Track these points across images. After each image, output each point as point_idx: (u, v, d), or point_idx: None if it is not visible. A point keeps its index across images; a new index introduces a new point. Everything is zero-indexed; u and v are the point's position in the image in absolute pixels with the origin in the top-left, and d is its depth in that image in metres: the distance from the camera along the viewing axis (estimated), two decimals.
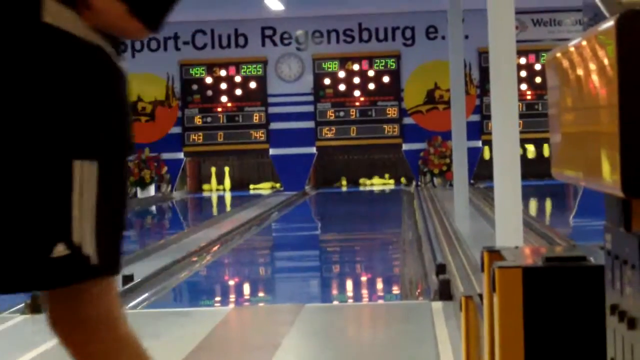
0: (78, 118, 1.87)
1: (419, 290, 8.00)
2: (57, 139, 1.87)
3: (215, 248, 11.18)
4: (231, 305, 7.98)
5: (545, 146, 19.72)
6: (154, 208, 18.80)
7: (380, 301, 8.01)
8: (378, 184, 21.06)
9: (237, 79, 20.72)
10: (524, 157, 19.64)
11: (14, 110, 1.80)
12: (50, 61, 1.80)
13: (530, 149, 20.48)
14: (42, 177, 1.89)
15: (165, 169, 20.47)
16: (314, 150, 20.64)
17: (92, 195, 1.94)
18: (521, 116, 8.28)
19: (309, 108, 20.62)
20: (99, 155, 1.93)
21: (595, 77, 1.49)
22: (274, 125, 20.61)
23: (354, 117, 20.55)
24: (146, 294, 7.84)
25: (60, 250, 1.95)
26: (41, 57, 1.79)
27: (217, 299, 8.69)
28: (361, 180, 21.11)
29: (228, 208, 18.41)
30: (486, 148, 19.87)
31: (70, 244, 1.96)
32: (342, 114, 20.57)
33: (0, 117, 1.81)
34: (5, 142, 1.83)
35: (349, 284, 9.17)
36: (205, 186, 21.54)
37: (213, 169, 21.54)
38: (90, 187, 1.95)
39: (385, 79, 20.59)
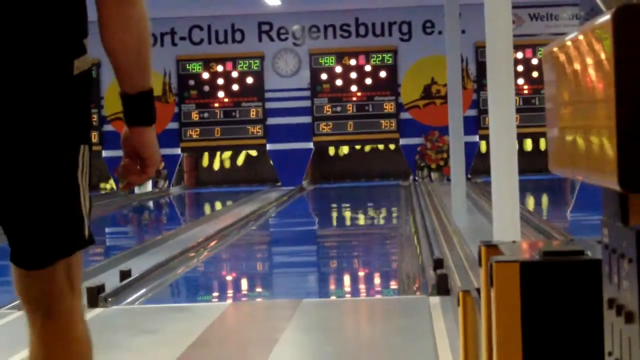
0: (83, 113, 2.43)
1: (416, 285, 8.00)
2: (74, 129, 2.38)
3: (213, 243, 11.18)
4: (229, 301, 7.98)
5: (542, 140, 19.76)
6: (151, 204, 18.79)
7: (378, 296, 8.01)
8: None
9: (234, 74, 20.70)
10: (521, 150, 19.70)
11: (46, 111, 2.35)
12: (72, 87, 2.40)
13: (528, 142, 20.53)
14: (63, 160, 2.36)
15: (162, 164, 20.46)
16: (311, 145, 20.64)
17: (87, 175, 2.42)
18: (518, 110, 8.29)
19: (306, 103, 20.61)
20: (89, 141, 2.43)
21: (592, 72, 1.49)
22: (271, 121, 20.61)
23: (351, 112, 20.54)
24: (144, 290, 7.84)
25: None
26: (67, 88, 2.39)
27: (215, 294, 8.69)
28: None
29: (226, 203, 18.41)
30: (483, 142, 19.87)
31: (81, 215, 2.40)
32: (339, 109, 20.57)
33: (38, 116, 2.33)
34: (36, 133, 2.33)
35: (347, 279, 9.17)
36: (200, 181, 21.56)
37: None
38: (87, 167, 2.42)
39: (382, 74, 20.58)
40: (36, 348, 2.44)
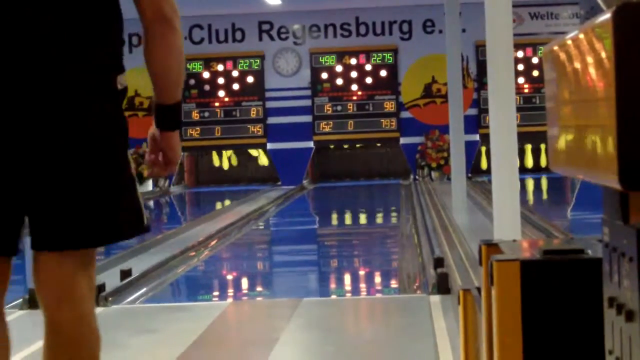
0: (125, 130, 2.90)
1: (416, 284, 8.00)
2: (123, 142, 2.87)
3: (213, 242, 11.18)
4: (229, 300, 7.98)
5: (543, 157, 19.74)
6: (151, 203, 18.79)
7: (378, 295, 8.01)
8: None
9: (235, 73, 20.70)
10: (522, 167, 19.71)
11: (110, 120, 2.84)
12: (118, 99, 2.89)
13: (529, 158, 20.54)
14: (124, 159, 2.86)
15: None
16: (311, 144, 20.64)
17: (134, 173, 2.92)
18: (519, 109, 8.28)
19: (307, 102, 20.61)
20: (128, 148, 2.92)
21: (592, 70, 1.49)
22: (272, 120, 20.61)
23: (351, 111, 20.54)
24: (144, 289, 7.84)
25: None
26: (116, 101, 2.88)
27: (215, 293, 8.69)
28: None
29: (226, 202, 18.41)
30: (483, 159, 19.86)
31: (140, 205, 2.91)
32: (339, 108, 20.56)
33: (98, 139, 2.80)
34: (101, 150, 2.80)
35: (347, 278, 9.18)
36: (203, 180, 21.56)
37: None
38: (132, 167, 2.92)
39: (383, 73, 20.58)
40: (53, 335, 2.85)
